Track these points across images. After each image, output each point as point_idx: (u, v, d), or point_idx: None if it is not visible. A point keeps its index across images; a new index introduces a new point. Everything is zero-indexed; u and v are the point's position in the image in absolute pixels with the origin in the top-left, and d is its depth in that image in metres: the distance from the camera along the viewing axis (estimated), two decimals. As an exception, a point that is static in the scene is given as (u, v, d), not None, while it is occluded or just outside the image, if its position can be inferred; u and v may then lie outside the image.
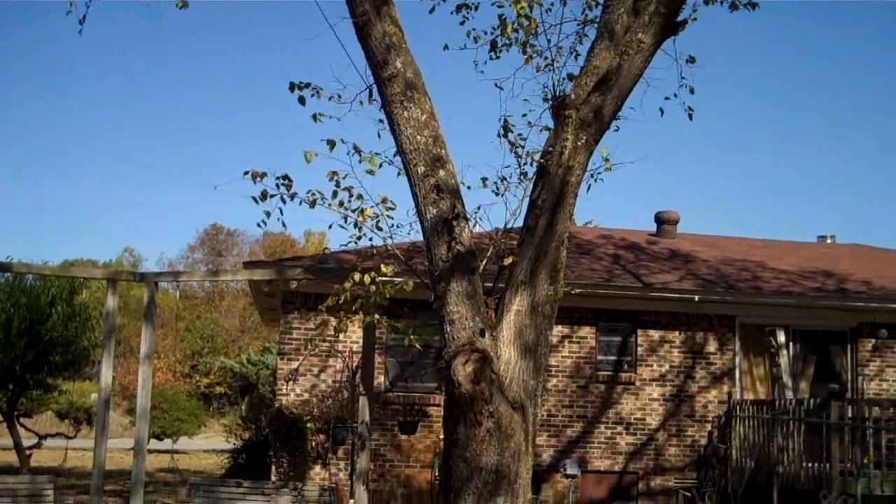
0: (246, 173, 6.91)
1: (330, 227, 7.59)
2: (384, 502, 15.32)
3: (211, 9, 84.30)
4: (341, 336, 14.72)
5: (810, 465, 13.60)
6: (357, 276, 7.15)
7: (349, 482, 14.77)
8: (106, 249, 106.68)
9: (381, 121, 7.03)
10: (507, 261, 6.78)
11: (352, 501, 10.71)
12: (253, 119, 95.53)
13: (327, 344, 15.27)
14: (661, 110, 8.35)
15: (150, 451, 12.25)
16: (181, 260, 65.36)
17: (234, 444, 24.34)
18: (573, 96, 6.93)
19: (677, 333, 16.62)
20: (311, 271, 12.86)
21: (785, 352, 16.62)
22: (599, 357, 16.43)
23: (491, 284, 7.10)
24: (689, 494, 15.93)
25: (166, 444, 27.67)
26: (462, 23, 8.41)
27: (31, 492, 11.24)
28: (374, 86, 6.81)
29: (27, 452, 18.96)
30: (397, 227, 7.45)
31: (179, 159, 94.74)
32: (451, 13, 8.49)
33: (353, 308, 7.60)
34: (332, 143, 6.90)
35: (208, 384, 45.67)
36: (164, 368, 44.74)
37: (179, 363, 47.76)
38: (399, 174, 6.94)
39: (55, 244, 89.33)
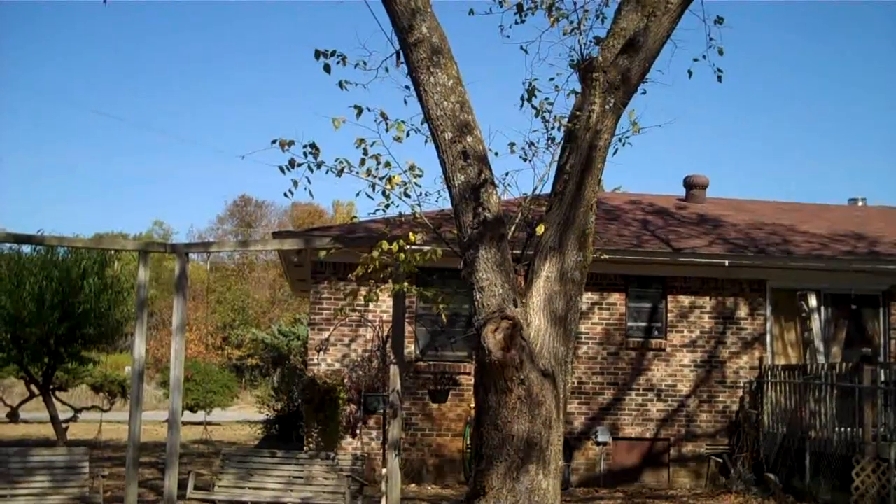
0: (274, 142, 6.90)
1: (357, 195, 7.58)
2: (415, 471, 15.40)
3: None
4: (371, 305, 14.77)
5: (843, 429, 13.54)
6: (386, 245, 7.12)
7: (381, 451, 14.85)
8: (135, 222, 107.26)
9: (407, 87, 6.99)
10: (539, 230, 6.72)
11: (384, 470, 10.76)
12: (279, 87, 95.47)
13: (357, 313, 15.31)
14: (690, 72, 8.24)
15: (183, 423, 12.33)
16: (210, 232, 65.65)
17: (267, 415, 24.57)
18: (600, 59, 6.85)
19: (707, 299, 16.54)
20: (340, 240, 12.87)
21: (816, 316, 16.52)
22: (629, 323, 16.39)
23: (520, 251, 7.07)
24: (720, 460, 15.92)
25: (199, 415, 27.95)
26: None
27: (68, 464, 11.39)
28: (401, 51, 6.76)
29: (63, 425, 19.18)
30: (425, 194, 7.43)
31: (206, 129, 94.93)
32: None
33: (383, 277, 7.59)
34: (359, 110, 6.88)
35: (240, 356, 46.02)
36: (196, 341, 45.12)
37: (211, 335, 48.11)
38: (426, 141, 6.90)
39: (85, 217, 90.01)
